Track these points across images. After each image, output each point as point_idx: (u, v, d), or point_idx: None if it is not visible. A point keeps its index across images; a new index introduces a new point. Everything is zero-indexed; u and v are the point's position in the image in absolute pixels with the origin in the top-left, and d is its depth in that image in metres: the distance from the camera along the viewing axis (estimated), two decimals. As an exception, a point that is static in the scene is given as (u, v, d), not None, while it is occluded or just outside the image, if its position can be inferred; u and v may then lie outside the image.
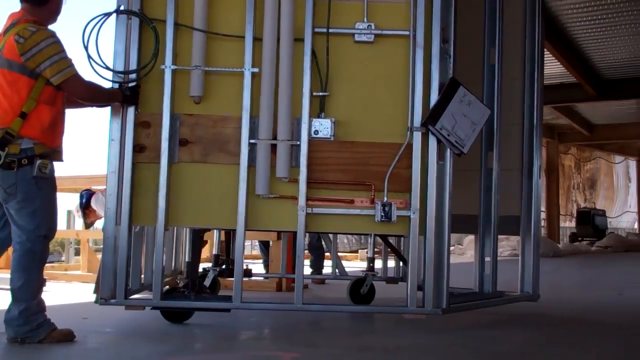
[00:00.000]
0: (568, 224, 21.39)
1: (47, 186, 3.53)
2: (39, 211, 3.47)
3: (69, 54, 3.54)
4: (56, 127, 3.57)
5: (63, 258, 10.65)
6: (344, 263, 12.55)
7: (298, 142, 3.96)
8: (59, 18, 3.79)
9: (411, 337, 3.92)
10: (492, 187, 4.65)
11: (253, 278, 6.08)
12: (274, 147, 3.96)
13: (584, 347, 3.80)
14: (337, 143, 4.03)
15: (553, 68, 12.42)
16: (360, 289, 5.52)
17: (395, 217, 3.95)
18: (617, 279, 7.10)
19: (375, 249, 5.11)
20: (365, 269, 5.75)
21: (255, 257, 11.03)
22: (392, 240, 5.71)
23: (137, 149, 3.93)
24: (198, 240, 4.18)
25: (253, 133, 3.95)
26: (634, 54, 12.57)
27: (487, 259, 4.73)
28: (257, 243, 10.69)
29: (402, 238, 5.78)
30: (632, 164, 25.05)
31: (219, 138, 3.99)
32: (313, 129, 4.00)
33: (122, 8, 3.94)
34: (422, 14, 4.05)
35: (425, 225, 3.99)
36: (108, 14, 3.91)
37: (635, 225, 24.90)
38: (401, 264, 6.26)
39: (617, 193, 25.12)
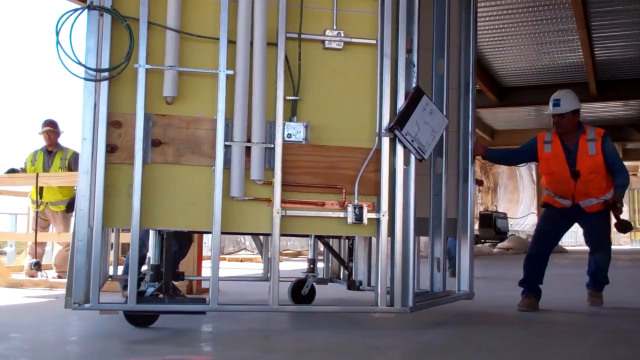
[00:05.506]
0: (472, 227, 22.17)
1: None
2: None
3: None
4: None
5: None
6: (253, 265, 12.60)
7: (272, 145, 4.01)
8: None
9: (325, 337, 3.95)
10: (442, 192, 4.86)
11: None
12: (247, 150, 3.99)
13: (488, 344, 3.88)
14: (309, 147, 4.11)
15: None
16: (301, 289, 5.64)
17: (366, 220, 4.09)
18: (517, 279, 7.49)
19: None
20: (305, 270, 5.87)
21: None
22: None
23: (109, 149, 3.84)
24: (170, 242, 4.12)
25: (227, 135, 3.97)
26: (533, 62, 13.41)
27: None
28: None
29: (343, 240, 5.95)
30: (534, 167, 26.34)
31: (192, 139, 3.97)
32: (286, 133, 4.07)
33: (94, 4, 3.84)
34: (389, 24, 4.22)
35: (393, 228, 4.15)
36: (80, 10, 3.80)
37: (537, 227, 25.96)
38: (330, 265, 6.43)
39: (521, 195, 26.27)
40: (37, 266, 7.57)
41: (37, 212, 8.02)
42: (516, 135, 19.60)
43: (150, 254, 4.25)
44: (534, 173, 26.77)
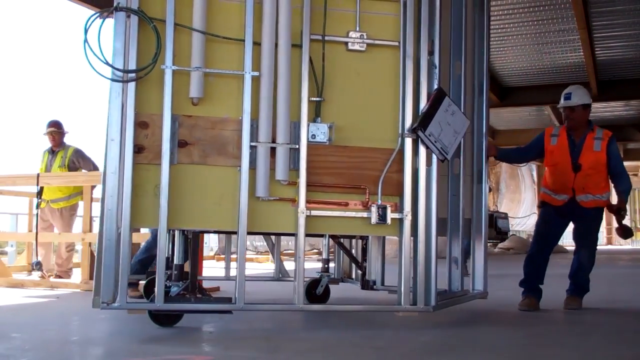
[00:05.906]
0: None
1: None
2: None
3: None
4: None
5: None
6: (255, 265, 12.62)
7: (297, 146, 4.04)
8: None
9: (326, 337, 3.96)
10: (460, 192, 4.89)
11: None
12: (272, 150, 4.02)
13: (488, 343, 3.88)
14: (333, 147, 4.15)
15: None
16: (315, 289, 5.67)
17: (389, 220, 4.13)
18: (517, 279, 7.53)
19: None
20: (320, 270, 5.91)
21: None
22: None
23: (136, 149, 3.86)
24: (197, 242, 4.15)
25: (252, 136, 3.99)
26: (534, 62, 13.43)
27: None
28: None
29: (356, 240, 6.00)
30: (534, 167, 26.38)
31: (217, 140, 4.00)
32: (310, 133, 4.10)
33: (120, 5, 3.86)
34: (411, 26, 4.26)
35: (415, 228, 4.19)
36: (107, 11, 3.82)
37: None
38: (341, 264, 6.48)
39: (523, 195, 26.23)
40: (39, 266, 7.58)
41: (37, 213, 8.02)
42: (517, 135, 19.62)
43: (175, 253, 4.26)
44: (534, 174, 26.80)
